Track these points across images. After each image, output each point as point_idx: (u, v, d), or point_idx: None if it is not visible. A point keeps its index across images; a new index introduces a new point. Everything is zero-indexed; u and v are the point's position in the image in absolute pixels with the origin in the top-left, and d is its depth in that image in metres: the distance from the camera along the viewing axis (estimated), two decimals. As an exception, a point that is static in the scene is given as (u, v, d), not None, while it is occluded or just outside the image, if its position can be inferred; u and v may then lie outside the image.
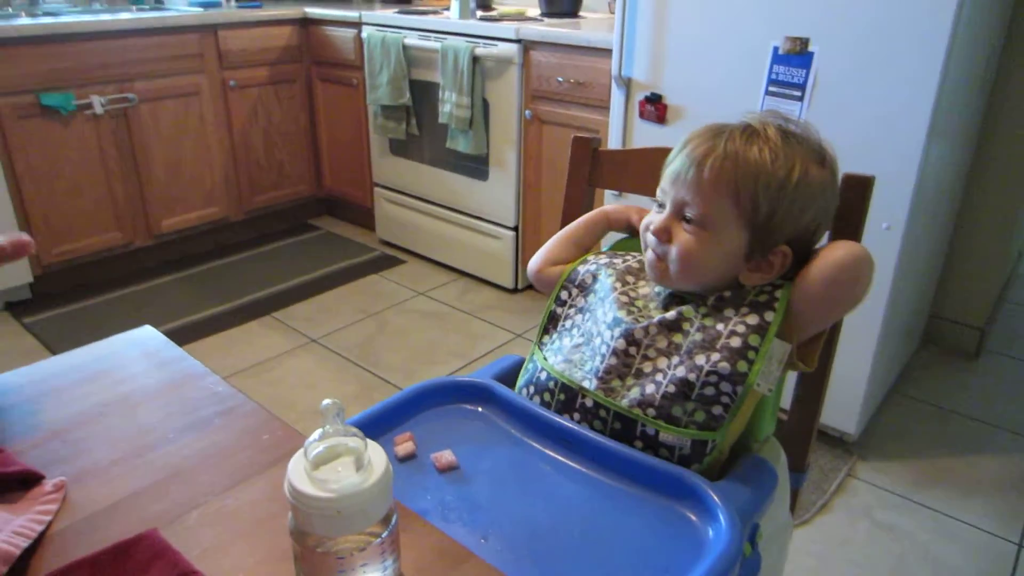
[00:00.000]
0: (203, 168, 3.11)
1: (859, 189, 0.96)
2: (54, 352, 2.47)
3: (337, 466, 0.52)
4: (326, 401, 0.52)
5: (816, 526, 1.74)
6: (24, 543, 0.59)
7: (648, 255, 0.93)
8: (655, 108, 2.08)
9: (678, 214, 0.90)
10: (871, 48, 1.64)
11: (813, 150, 0.89)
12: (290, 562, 0.55)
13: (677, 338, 0.89)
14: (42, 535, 0.61)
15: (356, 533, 0.51)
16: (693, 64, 1.96)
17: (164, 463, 0.70)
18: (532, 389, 0.97)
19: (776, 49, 1.79)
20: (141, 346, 0.91)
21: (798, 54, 1.76)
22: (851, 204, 0.96)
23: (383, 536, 0.52)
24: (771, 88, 1.83)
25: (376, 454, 0.53)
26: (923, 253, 2.06)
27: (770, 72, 1.82)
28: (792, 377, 1.02)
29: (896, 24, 1.60)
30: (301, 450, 0.52)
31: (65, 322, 2.68)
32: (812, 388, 1.03)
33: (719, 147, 0.87)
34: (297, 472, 0.51)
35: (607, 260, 1.02)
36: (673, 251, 0.89)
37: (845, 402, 1.93)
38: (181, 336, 2.56)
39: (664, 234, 0.90)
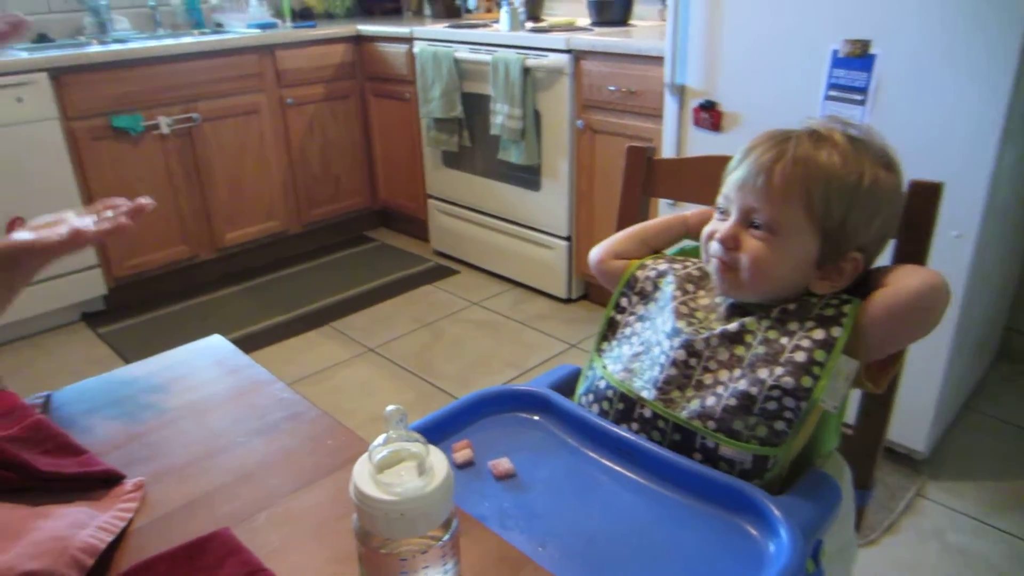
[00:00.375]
0: (263, 183, 3.20)
1: (927, 196, 0.93)
2: (126, 360, 2.57)
3: (400, 470, 0.54)
4: (390, 407, 0.54)
5: (883, 547, 1.69)
6: (108, 538, 0.62)
7: (714, 264, 0.92)
8: (710, 115, 2.07)
9: (745, 221, 0.89)
10: (938, 47, 1.60)
11: (880, 155, 0.88)
12: (355, 563, 0.57)
13: (739, 350, 0.88)
14: (123, 531, 0.64)
15: (418, 536, 0.53)
16: (748, 69, 1.94)
17: (234, 465, 0.73)
18: (591, 397, 0.97)
19: (835, 52, 1.76)
20: (211, 354, 0.95)
21: (859, 57, 1.73)
22: (919, 212, 0.93)
23: (444, 539, 0.54)
24: (831, 92, 1.80)
25: (438, 459, 0.54)
26: (997, 262, 1.98)
27: (829, 76, 1.79)
28: (857, 390, 1.00)
29: (964, 21, 1.55)
30: (366, 454, 0.54)
31: (136, 332, 2.79)
32: (879, 402, 1.01)
33: (788, 152, 0.86)
34: (362, 475, 0.53)
35: (667, 265, 1.01)
36: (744, 259, 0.88)
37: (914, 418, 1.86)
38: (244, 345, 2.62)
39: (732, 241, 0.88)
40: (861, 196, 0.85)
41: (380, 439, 0.54)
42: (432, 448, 0.55)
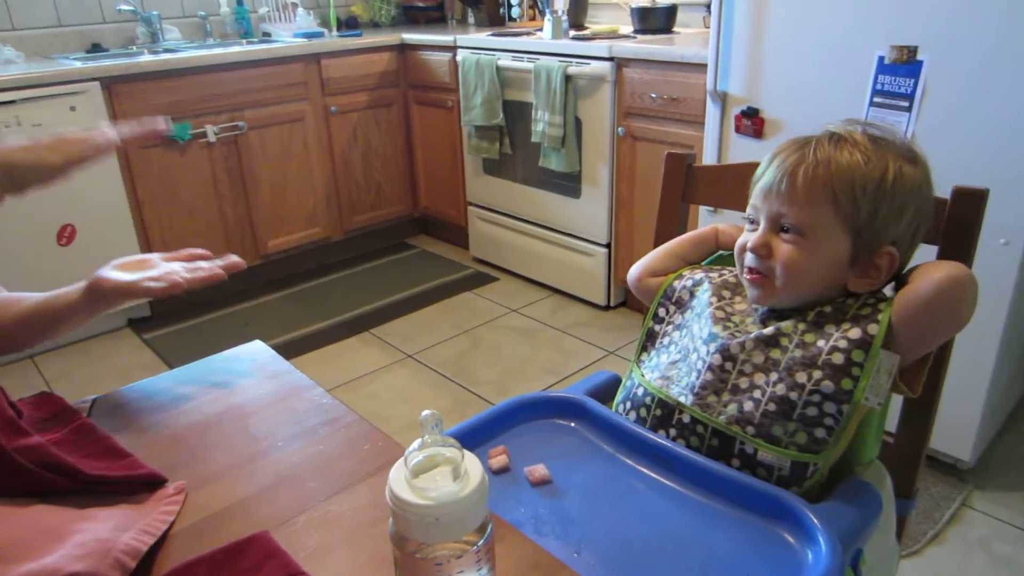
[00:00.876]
0: (306, 191, 3.25)
1: (971, 202, 0.92)
2: (171, 365, 2.63)
3: (436, 475, 0.54)
4: (425, 412, 0.54)
5: (927, 557, 1.65)
6: (150, 540, 0.63)
7: (747, 276, 0.91)
8: (752, 122, 2.05)
9: (775, 227, 0.89)
10: (987, 52, 1.56)
11: (902, 149, 0.87)
12: (391, 567, 0.57)
13: (775, 354, 0.87)
14: (165, 534, 0.66)
15: (453, 540, 0.53)
16: (792, 76, 1.92)
17: (274, 470, 0.74)
18: (629, 405, 0.97)
19: (881, 59, 1.73)
20: (252, 360, 0.96)
21: (905, 63, 1.70)
22: (962, 218, 0.92)
23: (479, 544, 0.54)
24: (876, 99, 1.77)
25: (472, 464, 0.54)
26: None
27: (874, 82, 1.76)
28: (898, 397, 0.98)
29: (1017, 25, 1.52)
30: (402, 459, 0.54)
31: (180, 337, 2.85)
32: (920, 409, 0.98)
33: (809, 155, 0.86)
34: (398, 480, 0.53)
35: (703, 275, 1.01)
36: (777, 265, 0.87)
37: (959, 427, 1.83)
38: (285, 351, 2.67)
39: (764, 249, 0.88)
40: (887, 190, 0.84)
41: (415, 444, 0.55)
42: (467, 453, 0.55)
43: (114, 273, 0.88)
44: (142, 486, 0.71)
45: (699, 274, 1.02)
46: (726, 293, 0.97)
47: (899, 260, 0.87)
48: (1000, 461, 1.95)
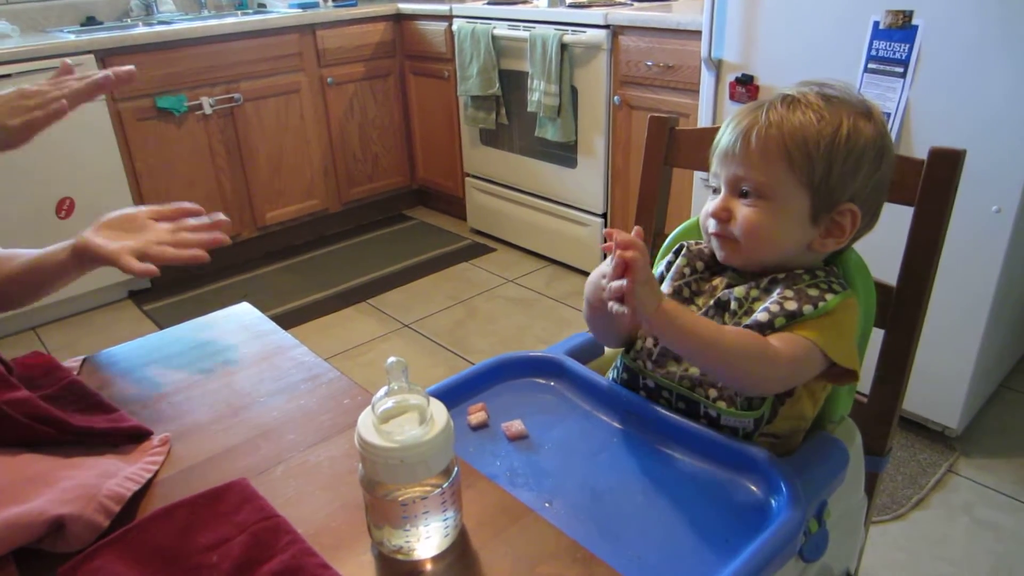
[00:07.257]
0: (303, 162, 3.25)
1: (947, 163, 0.92)
2: (170, 335, 2.65)
3: (403, 421, 0.56)
4: (391, 359, 0.56)
5: (911, 521, 1.68)
6: (134, 487, 0.66)
7: (714, 240, 0.91)
8: (746, 90, 2.04)
9: (734, 191, 0.88)
10: (984, 18, 1.55)
11: (857, 106, 0.87)
12: (363, 511, 0.59)
13: (724, 319, 0.88)
14: (149, 482, 0.68)
15: (418, 483, 0.55)
16: (786, 42, 1.91)
17: (255, 423, 0.76)
18: (610, 367, 0.99)
19: (876, 24, 1.72)
20: (238, 320, 0.98)
21: (900, 28, 1.69)
22: (939, 180, 0.93)
23: (444, 487, 0.56)
24: (870, 65, 1.76)
25: (438, 410, 0.56)
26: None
27: (869, 48, 1.75)
28: (872, 357, 1.00)
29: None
30: (370, 405, 0.56)
31: (179, 308, 2.87)
32: (893, 368, 1.00)
33: (761, 117, 0.86)
34: (365, 425, 0.55)
35: (670, 257, 1.00)
36: (738, 228, 0.87)
37: (947, 395, 1.84)
38: (284, 321, 2.69)
39: (725, 213, 0.88)
40: (840, 147, 0.84)
41: (382, 391, 0.57)
42: (433, 400, 0.57)
43: (100, 240, 0.88)
44: (128, 438, 0.74)
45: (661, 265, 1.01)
46: (697, 263, 0.95)
47: (860, 217, 0.87)
48: (988, 429, 1.96)
